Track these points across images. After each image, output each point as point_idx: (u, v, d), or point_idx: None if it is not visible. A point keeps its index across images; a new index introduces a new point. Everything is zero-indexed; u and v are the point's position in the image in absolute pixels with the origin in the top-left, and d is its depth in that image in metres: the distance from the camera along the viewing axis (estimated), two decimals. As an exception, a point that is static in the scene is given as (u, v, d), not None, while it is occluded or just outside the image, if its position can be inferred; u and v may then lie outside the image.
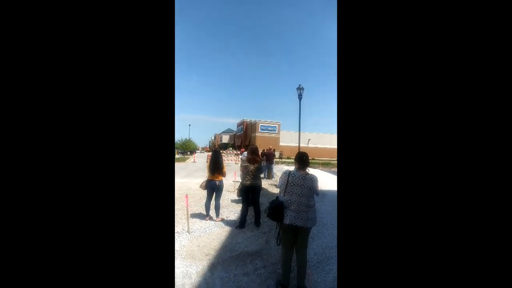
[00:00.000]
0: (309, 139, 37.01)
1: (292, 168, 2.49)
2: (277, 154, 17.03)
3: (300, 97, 11.85)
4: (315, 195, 2.34)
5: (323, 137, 39.72)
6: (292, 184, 2.29)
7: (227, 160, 18.67)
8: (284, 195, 2.31)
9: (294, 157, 2.52)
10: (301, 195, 2.25)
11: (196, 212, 4.81)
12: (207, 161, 4.34)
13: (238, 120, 46.15)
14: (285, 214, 2.25)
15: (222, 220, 4.35)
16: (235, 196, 6.12)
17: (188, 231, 3.71)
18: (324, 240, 3.64)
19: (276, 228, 2.41)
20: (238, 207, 5.08)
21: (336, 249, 3.30)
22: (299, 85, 11.90)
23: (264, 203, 4.98)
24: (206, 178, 4.35)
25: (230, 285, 2.38)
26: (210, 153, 4.60)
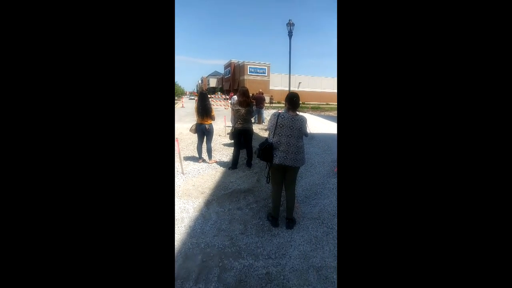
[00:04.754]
0: (299, 82, 36.12)
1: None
2: (267, 99, 16.56)
3: (290, 34, 10.95)
4: (304, 136, 2.40)
5: (314, 80, 38.74)
6: (281, 125, 2.31)
7: (216, 105, 18.31)
8: (273, 137, 2.35)
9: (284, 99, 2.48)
10: (290, 136, 2.30)
11: (189, 155, 4.94)
12: (195, 105, 4.24)
13: (225, 62, 43.49)
14: (275, 155, 2.33)
15: (215, 162, 4.52)
16: (226, 140, 6.22)
17: (182, 173, 3.87)
18: (311, 178, 3.91)
19: (266, 167, 2.53)
20: (230, 150, 5.23)
21: (322, 186, 3.59)
22: (289, 20, 10.90)
23: (255, 146, 5.13)
24: (195, 122, 4.33)
25: (225, 218, 2.62)
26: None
